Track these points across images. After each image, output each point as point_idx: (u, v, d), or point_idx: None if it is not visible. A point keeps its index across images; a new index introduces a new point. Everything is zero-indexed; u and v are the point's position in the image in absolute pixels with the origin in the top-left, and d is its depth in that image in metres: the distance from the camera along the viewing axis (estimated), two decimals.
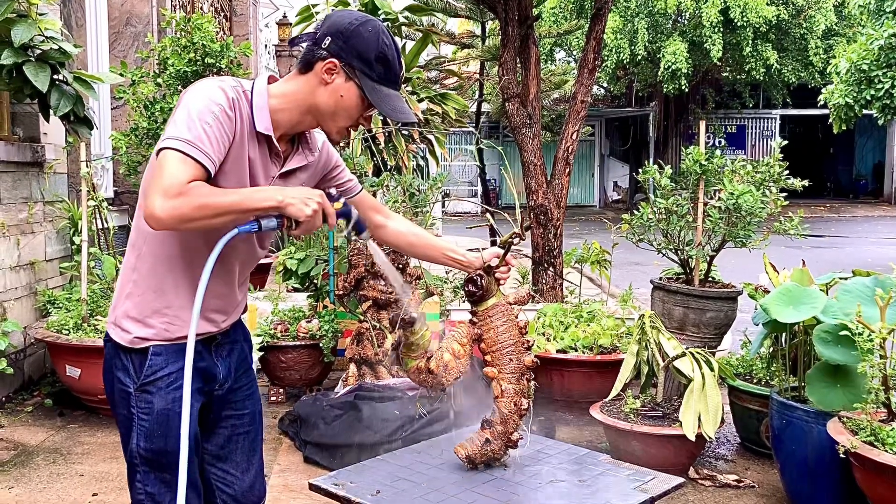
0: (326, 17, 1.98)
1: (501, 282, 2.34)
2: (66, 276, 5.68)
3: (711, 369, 3.92)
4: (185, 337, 1.94)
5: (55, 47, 4.80)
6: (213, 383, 2.09)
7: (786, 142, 4.62)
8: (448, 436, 2.61)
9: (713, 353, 4.36)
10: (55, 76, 4.85)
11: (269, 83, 1.97)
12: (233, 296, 2.10)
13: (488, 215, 2.24)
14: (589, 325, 5.13)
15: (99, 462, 4.14)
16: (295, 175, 2.04)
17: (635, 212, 4.89)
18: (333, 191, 1.92)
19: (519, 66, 7.07)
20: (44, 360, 5.36)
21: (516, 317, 2.35)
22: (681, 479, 2.30)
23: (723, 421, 3.92)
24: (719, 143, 24.73)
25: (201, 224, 1.77)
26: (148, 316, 1.96)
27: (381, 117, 6.06)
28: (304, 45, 1.97)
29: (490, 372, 2.30)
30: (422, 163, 7.02)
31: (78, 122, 4.97)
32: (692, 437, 3.74)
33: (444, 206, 21.91)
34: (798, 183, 4.60)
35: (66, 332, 4.78)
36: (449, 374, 2.30)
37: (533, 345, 2.35)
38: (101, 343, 3.99)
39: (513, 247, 2.29)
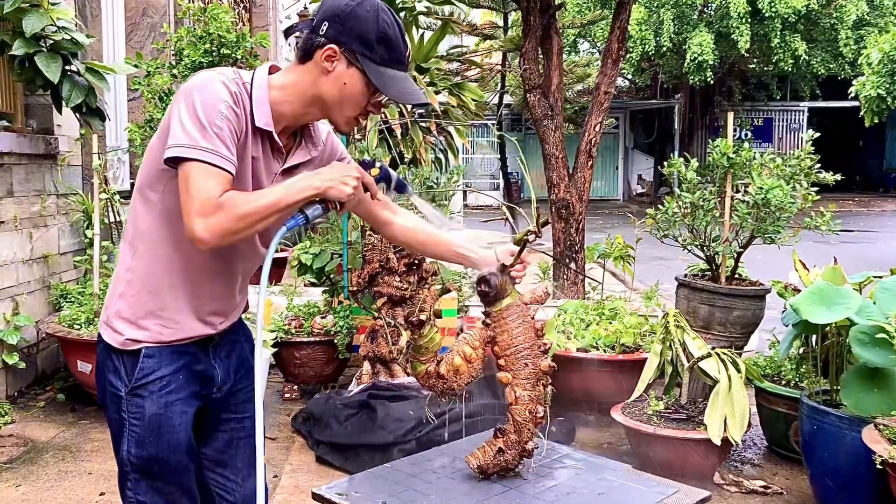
0: (323, 2, 1.85)
1: (517, 281, 2.21)
2: (81, 269, 5.62)
3: (738, 371, 3.77)
4: (180, 340, 1.88)
5: (67, 37, 4.73)
6: (211, 386, 1.99)
7: (818, 134, 4.44)
8: (459, 442, 2.48)
9: (740, 354, 4.20)
10: (67, 67, 4.79)
11: (270, 73, 1.86)
12: (232, 298, 2.00)
13: (505, 209, 2.12)
14: (611, 323, 4.97)
15: (108, 460, 4.07)
16: (298, 171, 1.92)
17: (660, 206, 4.73)
18: (367, 158, 1.83)
19: (541, 56, 6.92)
20: (57, 354, 5.30)
21: (532, 318, 2.21)
22: (707, 493, 2.16)
23: (749, 424, 3.77)
24: (745, 135, 24.35)
25: (247, 233, 1.71)
26: (141, 318, 1.86)
27: (399, 108, 5.94)
28: (304, 32, 1.85)
29: (504, 377, 2.17)
30: (440, 155, 6.89)
31: (90, 113, 4.91)
32: (718, 442, 3.60)
33: (465, 198, 21.80)
34: (830, 177, 4.43)
35: (78, 326, 4.71)
36: (460, 378, 2.17)
37: (550, 348, 2.22)
38: None
39: (534, 242, 2.15)
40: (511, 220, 2.30)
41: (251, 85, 1.80)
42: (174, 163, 1.70)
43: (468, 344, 2.18)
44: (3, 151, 4.72)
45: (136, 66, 5.62)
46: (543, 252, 2.20)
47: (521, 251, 2.12)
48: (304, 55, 1.82)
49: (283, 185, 1.77)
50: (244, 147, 1.78)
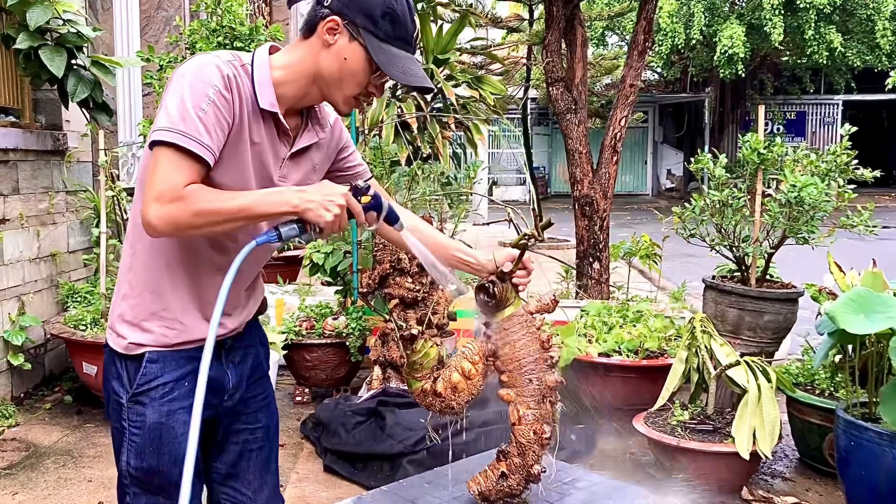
0: None
1: (520, 288, 2.02)
2: (91, 268, 5.51)
3: (768, 380, 3.54)
4: (185, 343, 1.76)
5: (73, 30, 4.61)
6: (222, 394, 1.86)
7: (855, 128, 4.18)
8: (462, 462, 2.30)
9: (770, 362, 3.97)
10: (73, 61, 4.67)
11: (270, 53, 1.75)
12: (236, 296, 1.85)
13: (509, 211, 1.93)
14: (635, 326, 4.76)
15: (109, 466, 3.93)
16: (307, 154, 1.81)
17: (686, 204, 4.50)
18: (361, 182, 1.68)
19: (564, 48, 6.70)
20: (65, 354, 5.18)
21: (538, 329, 2.02)
22: None
23: (780, 436, 3.54)
24: (777, 129, 23.83)
25: (203, 231, 1.61)
26: (144, 319, 1.74)
27: (416, 102, 5.76)
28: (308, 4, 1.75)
29: (506, 394, 1.98)
30: (459, 150, 6.69)
31: (97, 108, 4.79)
32: (746, 456, 3.38)
33: (490, 192, 21.56)
34: (868, 174, 4.17)
35: (84, 327, 4.59)
36: (459, 396, 1.98)
37: (558, 362, 2.02)
38: None
39: (534, 245, 1.96)
40: (513, 219, 2.09)
41: (252, 66, 1.70)
42: (152, 146, 1.59)
43: (467, 359, 1.99)
44: (7, 148, 4.60)
45: (147, 59, 5.50)
46: (552, 257, 2.02)
47: (520, 256, 1.94)
48: (308, 29, 1.72)
49: (258, 192, 1.65)
50: (240, 132, 1.66)
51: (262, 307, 2.01)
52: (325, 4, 1.68)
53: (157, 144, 1.57)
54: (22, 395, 4.83)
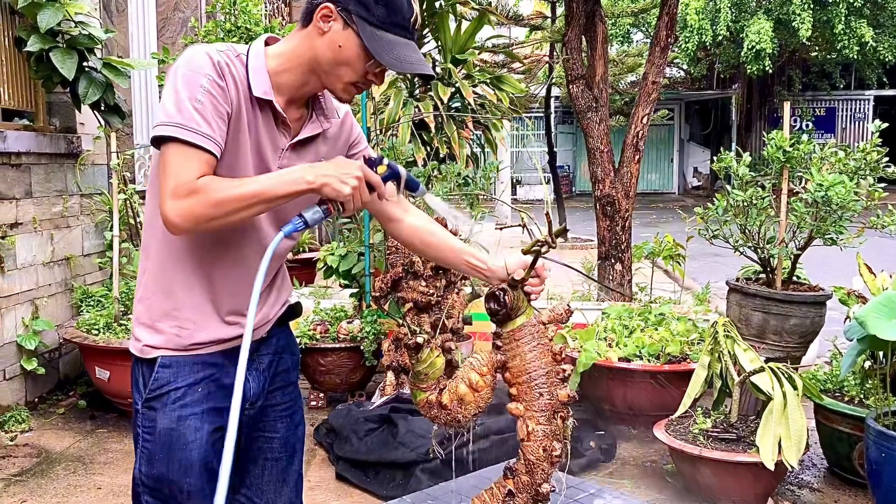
0: None
1: (533, 297, 1.92)
2: (106, 271, 5.48)
3: (794, 386, 3.40)
4: (198, 345, 1.71)
5: (84, 32, 4.58)
6: (243, 402, 1.76)
7: (886, 124, 4.02)
8: (469, 477, 2.20)
9: (796, 367, 3.82)
10: (84, 63, 4.63)
11: (268, 45, 1.72)
12: (249, 294, 1.76)
13: (523, 216, 1.85)
14: (657, 330, 4.62)
15: (120, 473, 3.88)
16: (312, 146, 1.76)
17: (710, 205, 4.37)
18: (374, 154, 1.65)
19: (585, 45, 6.57)
20: (80, 358, 5.15)
21: (550, 340, 1.92)
22: None
23: (808, 446, 3.40)
24: (806, 126, 23.44)
25: (223, 222, 1.57)
26: (158, 320, 1.72)
27: (434, 102, 5.66)
28: None
29: (515, 409, 1.88)
30: (477, 150, 6.58)
31: (108, 110, 4.74)
32: (771, 466, 3.25)
33: (514, 192, 21.42)
34: None
35: (96, 332, 4.55)
36: (465, 409, 1.89)
37: (570, 375, 1.92)
38: (128, 344, 3.76)
39: (547, 252, 1.85)
40: (527, 224, 1.99)
41: (247, 56, 1.67)
42: (157, 144, 1.58)
43: (475, 370, 1.90)
44: (20, 151, 4.57)
45: (162, 61, 5.47)
46: (567, 265, 1.94)
47: (533, 263, 1.83)
48: (305, 17, 1.68)
49: (271, 174, 1.61)
50: (238, 120, 1.63)
51: (296, 311, 1.94)
52: None
53: (160, 142, 1.56)
54: (36, 399, 4.81)
